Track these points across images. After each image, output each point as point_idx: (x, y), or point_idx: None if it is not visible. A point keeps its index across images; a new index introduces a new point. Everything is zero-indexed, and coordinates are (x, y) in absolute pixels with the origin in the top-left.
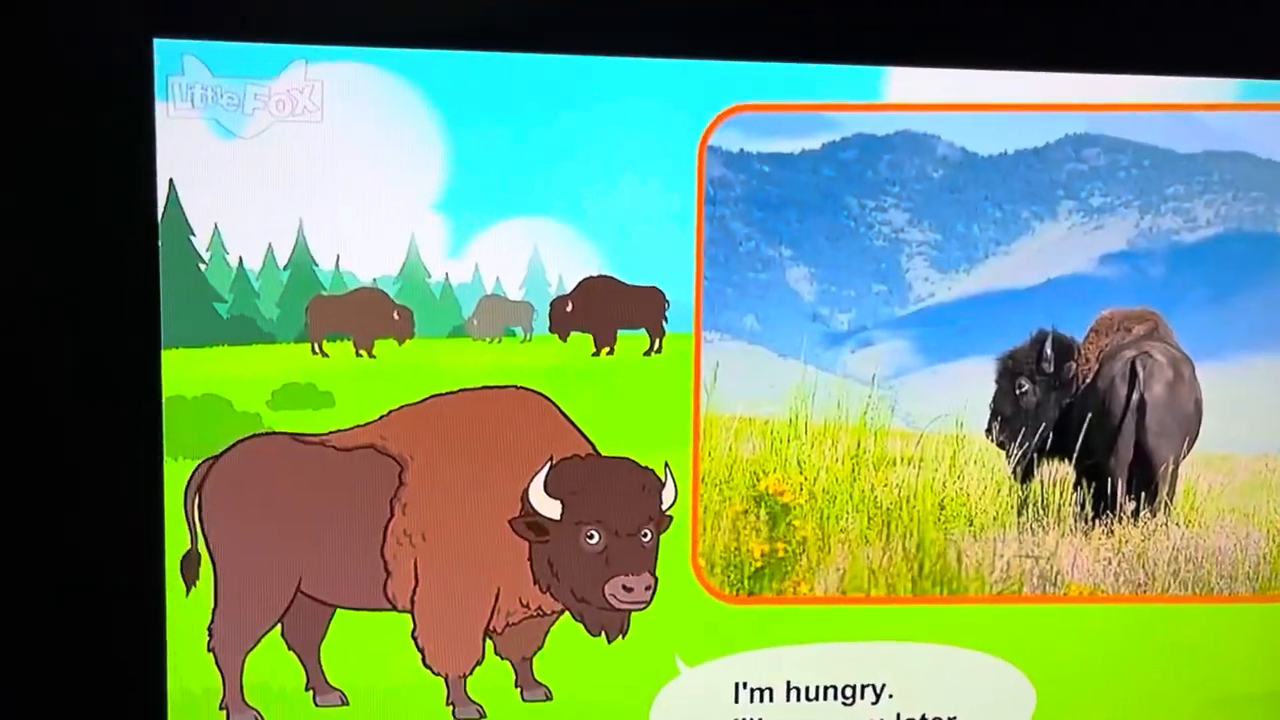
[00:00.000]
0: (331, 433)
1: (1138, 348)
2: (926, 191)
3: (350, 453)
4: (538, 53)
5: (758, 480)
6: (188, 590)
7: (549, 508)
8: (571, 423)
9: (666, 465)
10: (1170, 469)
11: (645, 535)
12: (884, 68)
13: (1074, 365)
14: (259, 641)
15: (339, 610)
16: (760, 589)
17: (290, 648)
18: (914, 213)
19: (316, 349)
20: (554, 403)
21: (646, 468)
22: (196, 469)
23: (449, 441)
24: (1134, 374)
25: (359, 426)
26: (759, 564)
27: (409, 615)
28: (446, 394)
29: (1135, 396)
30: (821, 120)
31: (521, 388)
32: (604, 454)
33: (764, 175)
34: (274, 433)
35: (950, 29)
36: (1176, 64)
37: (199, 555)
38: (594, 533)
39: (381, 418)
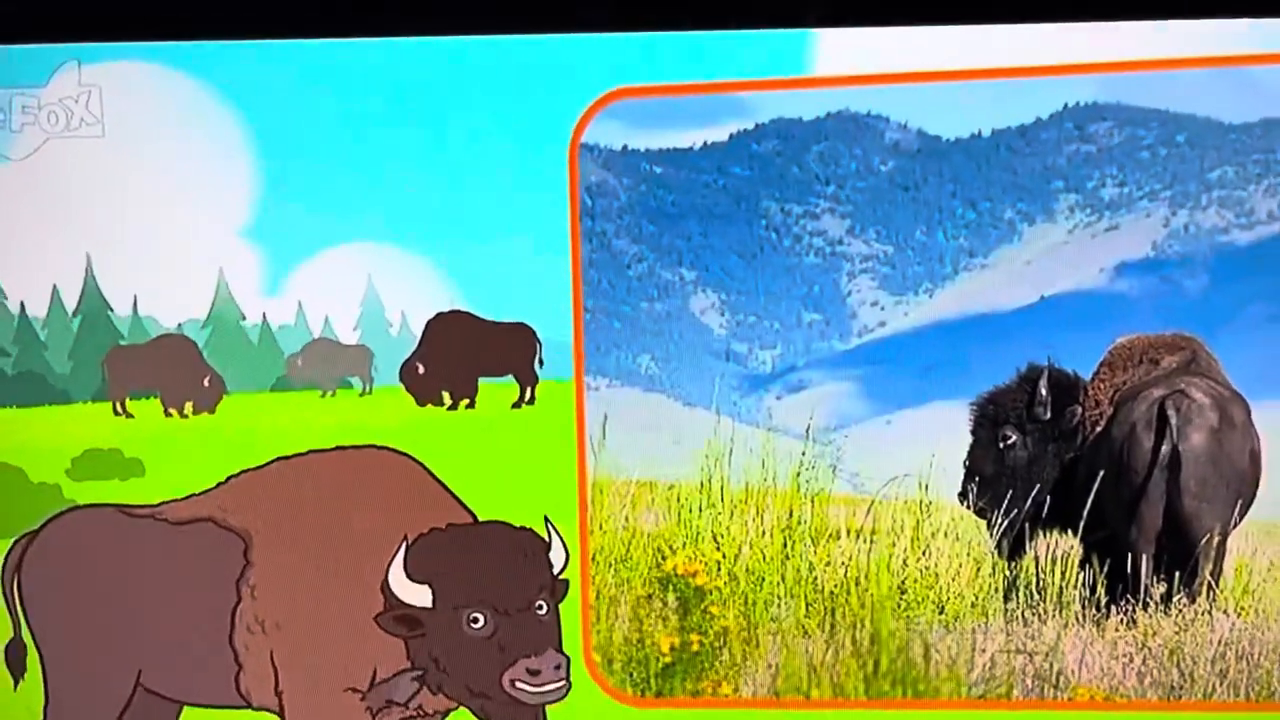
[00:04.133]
0: (165, 503)
1: (1169, 385)
2: (872, 190)
3: (185, 526)
4: (360, 37)
5: (663, 558)
6: (15, 683)
7: (416, 595)
8: (443, 486)
9: (548, 520)
10: (1215, 541)
11: (540, 608)
12: (809, 30)
13: (1079, 409)
14: None
15: None
16: (671, 689)
17: None
18: (855, 218)
19: (119, 409)
20: (420, 463)
21: (524, 528)
22: (13, 547)
23: (299, 513)
24: (1164, 419)
25: (196, 495)
26: (668, 659)
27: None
28: (293, 456)
29: (1166, 449)
30: (728, 104)
31: (380, 447)
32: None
33: (655, 178)
34: (97, 505)
35: None
36: (1219, 1)
37: (25, 644)
38: (478, 615)
39: (221, 484)
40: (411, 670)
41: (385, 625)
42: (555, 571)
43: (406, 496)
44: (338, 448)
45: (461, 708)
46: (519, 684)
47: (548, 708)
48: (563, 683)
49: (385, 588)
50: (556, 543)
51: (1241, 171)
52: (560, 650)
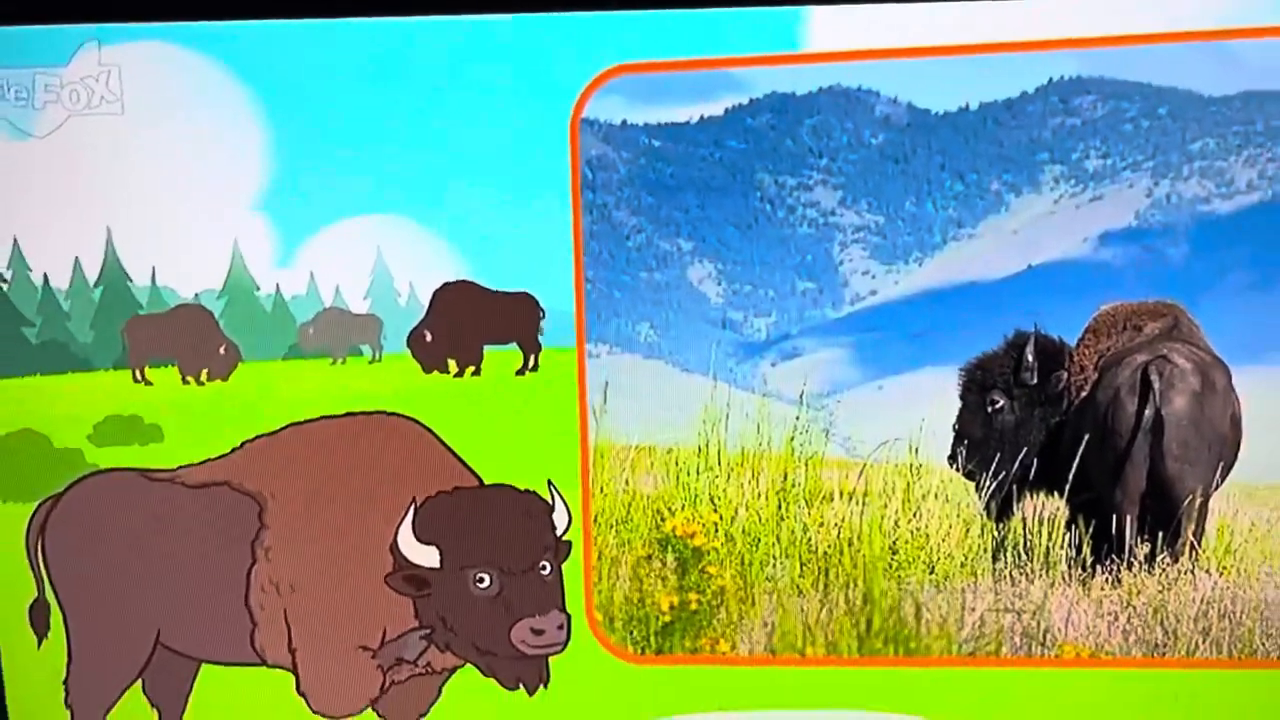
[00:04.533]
0: (183, 467)
1: (1151, 351)
2: (863, 162)
3: (202, 490)
4: (366, 17)
5: (662, 520)
6: (39, 642)
7: (424, 556)
8: (451, 451)
9: (551, 484)
10: (1198, 502)
11: (544, 568)
12: (801, 7)
13: (1064, 375)
14: (121, 697)
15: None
16: (670, 646)
17: (152, 703)
18: (847, 190)
19: (138, 376)
20: (429, 429)
21: (528, 491)
22: (37, 510)
23: (312, 477)
24: (1146, 384)
25: (213, 460)
26: (667, 618)
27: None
28: (306, 422)
29: (1149, 412)
30: (723, 79)
31: (389, 413)
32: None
33: (653, 151)
34: (118, 469)
35: None
36: None
37: (48, 604)
38: (484, 575)
39: (236, 449)
40: (420, 629)
41: (394, 585)
42: (558, 533)
43: (414, 461)
44: (348, 414)
45: (468, 665)
46: (524, 642)
47: (552, 666)
48: (565, 640)
49: (394, 549)
50: (559, 505)
51: (1222, 143)
52: (563, 609)
